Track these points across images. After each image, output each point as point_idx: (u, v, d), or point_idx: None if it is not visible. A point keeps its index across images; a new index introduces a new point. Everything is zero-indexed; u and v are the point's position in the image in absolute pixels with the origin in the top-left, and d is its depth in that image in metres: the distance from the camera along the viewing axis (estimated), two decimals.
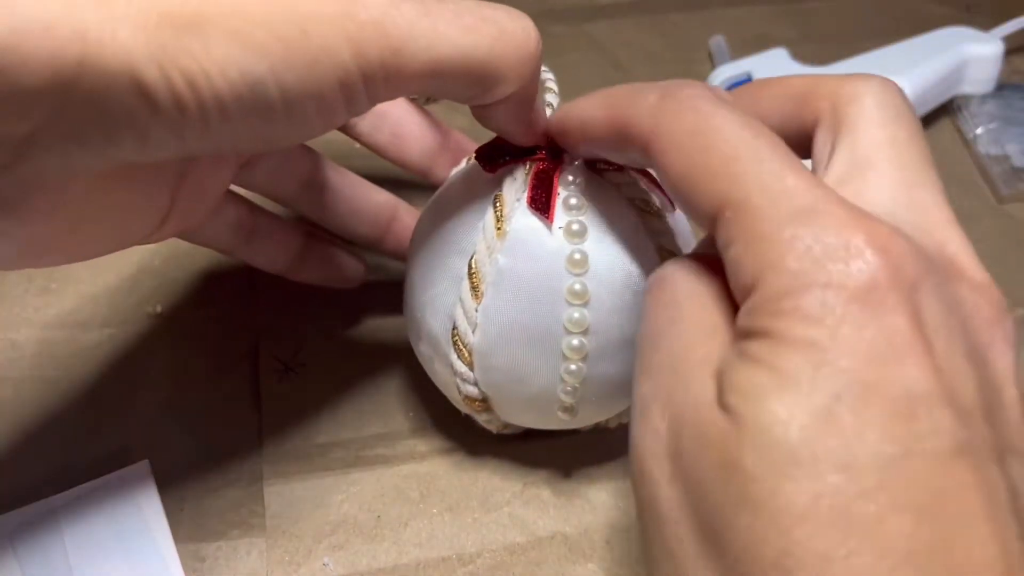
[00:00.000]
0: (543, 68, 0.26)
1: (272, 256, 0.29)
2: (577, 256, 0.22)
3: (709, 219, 0.17)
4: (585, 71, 0.44)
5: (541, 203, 0.23)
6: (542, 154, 0.23)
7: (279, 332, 0.32)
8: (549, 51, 0.45)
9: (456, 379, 0.24)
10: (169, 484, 0.27)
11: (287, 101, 0.17)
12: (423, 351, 0.26)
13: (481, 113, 0.22)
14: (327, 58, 0.17)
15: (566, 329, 0.22)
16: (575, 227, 0.22)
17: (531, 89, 0.21)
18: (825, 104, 0.19)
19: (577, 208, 0.23)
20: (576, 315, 0.22)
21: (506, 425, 0.27)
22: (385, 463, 0.28)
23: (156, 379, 0.30)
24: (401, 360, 0.31)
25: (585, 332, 0.23)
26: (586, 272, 0.22)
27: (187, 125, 0.16)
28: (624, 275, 0.23)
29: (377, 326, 0.32)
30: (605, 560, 0.26)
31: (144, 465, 0.27)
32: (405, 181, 0.33)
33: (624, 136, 0.19)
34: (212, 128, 0.17)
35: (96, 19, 0.15)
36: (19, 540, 0.25)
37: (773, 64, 0.39)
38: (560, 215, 0.23)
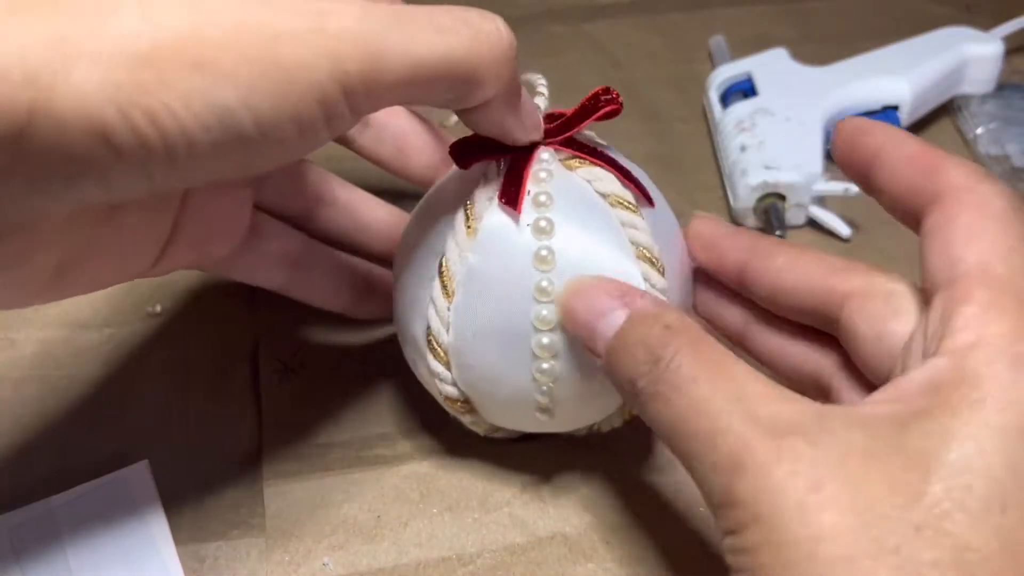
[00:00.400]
0: (537, 75, 0.26)
1: (330, 293, 0.28)
2: (544, 252, 0.22)
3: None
4: (585, 71, 0.44)
5: (511, 198, 0.23)
6: (516, 153, 0.23)
7: (279, 332, 0.32)
8: (549, 51, 0.46)
9: (435, 380, 0.25)
10: (169, 484, 0.27)
11: (262, 126, 0.16)
12: (408, 354, 0.26)
13: (468, 118, 0.22)
14: (301, 76, 0.16)
15: (535, 327, 0.22)
16: (542, 224, 0.22)
17: (513, 87, 0.21)
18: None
19: (545, 205, 0.23)
20: (544, 312, 0.22)
21: (495, 428, 0.27)
22: (385, 463, 0.28)
23: (156, 379, 0.30)
24: (401, 360, 0.31)
25: (554, 329, 0.22)
26: (553, 269, 0.22)
27: (153, 163, 0.16)
28: (594, 270, 0.22)
29: (378, 326, 0.32)
30: (605, 560, 0.26)
31: (144, 465, 0.27)
32: (407, 192, 0.33)
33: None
34: (181, 164, 0.16)
35: (48, 63, 0.14)
36: (19, 540, 0.25)
37: (773, 64, 0.39)
38: (528, 211, 0.23)
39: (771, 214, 0.35)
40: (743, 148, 0.36)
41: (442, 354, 0.24)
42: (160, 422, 0.29)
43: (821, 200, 0.36)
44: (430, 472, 0.28)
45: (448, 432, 0.29)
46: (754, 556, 0.16)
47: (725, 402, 0.18)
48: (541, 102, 0.25)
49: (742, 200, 0.35)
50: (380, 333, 0.32)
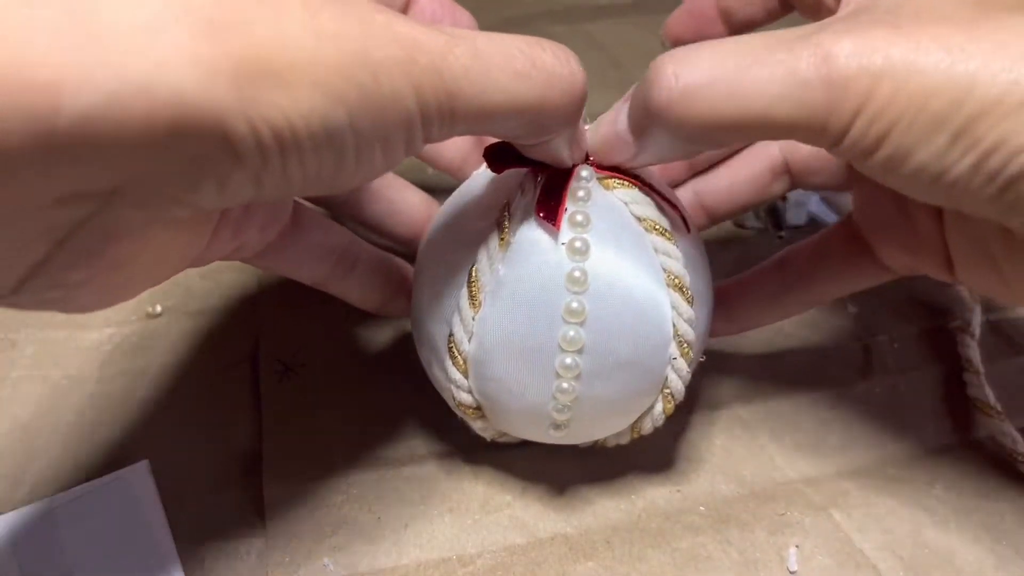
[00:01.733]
0: None
1: (368, 290, 0.28)
2: (577, 274, 0.22)
3: None
4: (585, 71, 0.44)
5: (550, 213, 0.22)
6: (554, 168, 0.23)
7: (279, 332, 0.32)
8: None
9: (451, 386, 0.24)
10: (169, 484, 0.27)
11: (359, 145, 0.17)
12: (423, 354, 0.26)
13: (523, 145, 0.22)
14: (395, 102, 0.17)
15: (560, 347, 0.22)
16: (578, 244, 0.22)
17: (576, 126, 0.21)
18: None
19: (582, 225, 0.22)
20: (572, 333, 0.22)
21: (501, 434, 0.27)
22: (386, 464, 0.28)
23: (156, 379, 0.30)
24: (402, 361, 0.31)
25: (580, 351, 0.22)
26: (586, 291, 0.22)
27: (267, 173, 0.17)
28: (624, 295, 0.22)
29: (378, 326, 0.32)
30: (606, 559, 0.26)
31: (144, 465, 0.27)
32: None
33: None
34: (289, 174, 0.17)
35: (191, 77, 0.15)
36: (19, 540, 0.25)
37: None
38: (565, 230, 0.22)
39: (772, 213, 0.35)
40: None
41: (461, 362, 0.24)
42: (160, 422, 0.29)
43: (822, 199, 0.36)
44: (431, 473, 0.28)
45: (449, 434, 0.29)
46: None
47: None
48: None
49: None
50: (381, 333, 0.32)
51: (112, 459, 0.28)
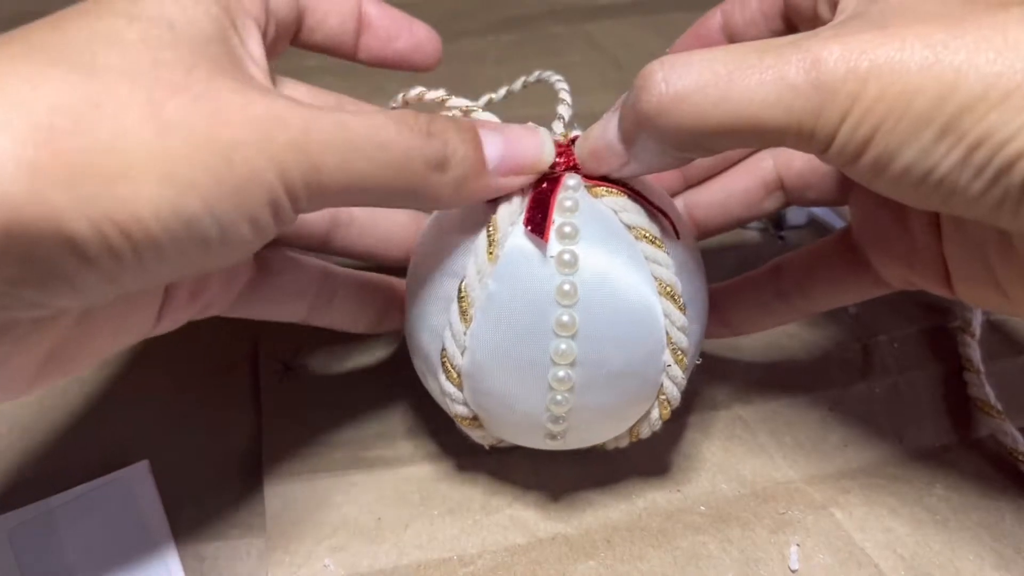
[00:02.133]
0: (557, 76, 0.26)
1: (353, 316, 0.28)
2: (567, 287, 0.22)
3: None
4: (585, 71, 0.44)
5: (537, 226, 0.22)
6: (541, 177, 0.23)
7: (279, 332, 0.31)
8: (550, 51, 0.46)
9: (446, 398, 0.24)
10: (169, 484, 0.27)
11: (222, 229, 0.17)
12: (417, 365, 0.26)
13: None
14: (254, 182, 0.17)
15: (552, 360, 0.22)
16: (567, 257, 0.22)
17: (461, 185, 0.21)
18: None
19: (571, 237, 0.22)
20: (563, 347, 0.22)
21: (500, 440, 0.27)
22: (385, 464, 0.28)
23: (156, 379, 0.30)
24: (402, 361, 0.31)
25: (572, 364, 0.22)
26: (575, 303, 0.22)
27: (123, 271, 0.17)
28: (615, 306, 0.22)
29: None
30: (607, 558, 0.26)
31: (144, 465, 0.27)
32: None
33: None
34: (149, 269, 0.17)
35: (23, 182, 0.15)
36: (19, 540, 0.25)
37: None
38: (553, 243, 0.22)
39: (773, 214, 0.35)
40: None
41: (455, 376, 0.24)
42: (160, 422, 0.29)
43: None
44: (431, 474, 0.28)
45: (449, 435, 0.29)
46: None
47: None
48: (565, 110, 0.24)
49: None
50: (381, 338, 0.32)
51: (112, 459, 0.28)
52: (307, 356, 0.31)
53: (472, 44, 0.47)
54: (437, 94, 0.24)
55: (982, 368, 0.31)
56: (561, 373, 0.22)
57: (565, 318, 0.22)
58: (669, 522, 0.27)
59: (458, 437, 0.28)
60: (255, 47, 0.20)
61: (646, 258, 0.23)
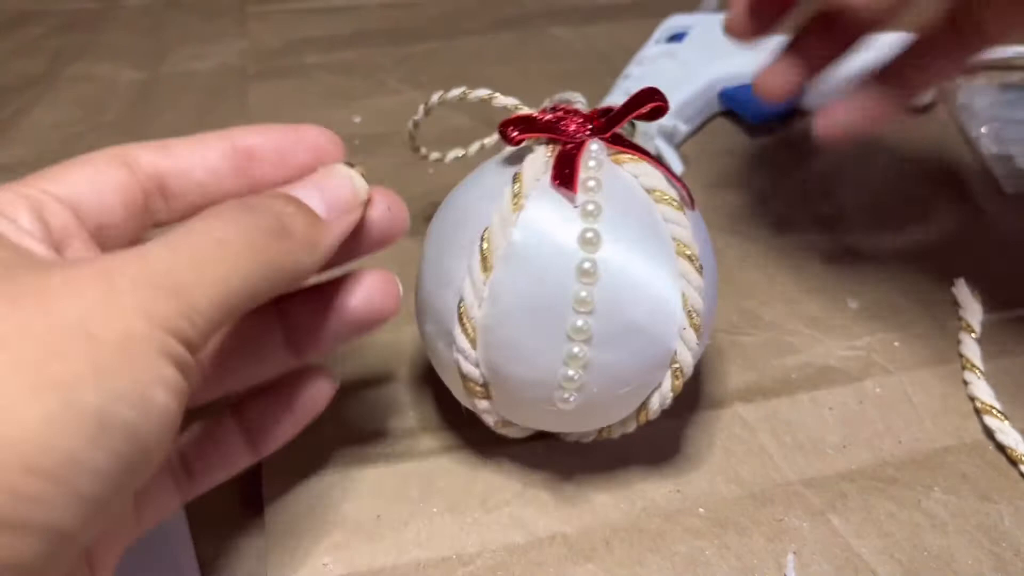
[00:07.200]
0: (573, 93, 0.27)
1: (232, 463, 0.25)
2: (590, 235, 0.22)
3: None
4: (585, 72, 0.44)
5: (565, 178, 0.23)
6: (567, 135, 0.24)
7: None
8: (549, 53, 0.46)
9: (459, 357, 0.24)
10: None
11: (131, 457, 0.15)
12: (428, 330, 0.26)
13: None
14: (139, 361, 0.16)
15: (573, 308, 0.22)
16: (590, 207, 0.23)
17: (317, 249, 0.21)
18: None
19: (594, 191, 0.23)
20: (584, 294, 0.22)
21: (505, 423, 0.27)
22: (385, 462, 0.28)
23: None
24: (402, 358, 0.31)
25: (591, 312, 0.23)
26: (597, 252, 0.22)
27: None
28: (635, 260, 0.23)
29: None
30: (605, 561, 0.26)
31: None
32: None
33: None
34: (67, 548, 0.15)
35: None
36: None
37: (717, 27, 0.40)
38: (578, 196, 0.23)
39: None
40: (626, 76, 0.42)
41: (471, 329, 0.24)
42: None
43: (669, 136, 0.39)
44: (430, 471, 0.28)
45: (449, 431, 0.29)
46: None
47: None
48: (504, 100, 0.26)
49: None
50: (381, 330, 0.32)
51: None
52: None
53: (472, 44, 0.47)
54: (480, 93, 0.26)
55: (982, 368, 0.31)
56: (580, 322, 0.23)
57: (587, 265, 0.22)
58: (668, 524, 0.27)
59: (459, 435, 0.28)
60: (25, 221, 0.19)
61: (665, 219, 0.24)
